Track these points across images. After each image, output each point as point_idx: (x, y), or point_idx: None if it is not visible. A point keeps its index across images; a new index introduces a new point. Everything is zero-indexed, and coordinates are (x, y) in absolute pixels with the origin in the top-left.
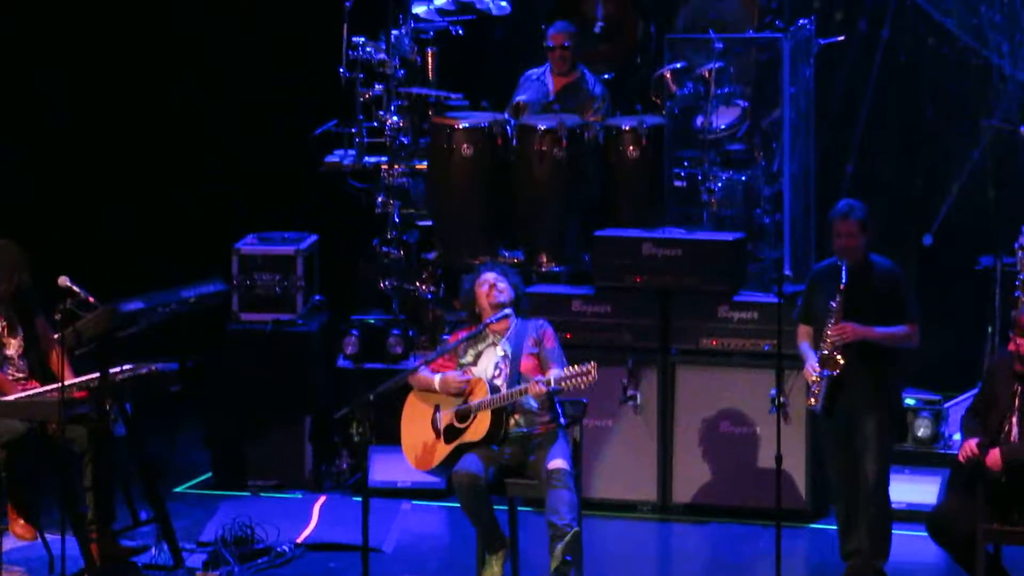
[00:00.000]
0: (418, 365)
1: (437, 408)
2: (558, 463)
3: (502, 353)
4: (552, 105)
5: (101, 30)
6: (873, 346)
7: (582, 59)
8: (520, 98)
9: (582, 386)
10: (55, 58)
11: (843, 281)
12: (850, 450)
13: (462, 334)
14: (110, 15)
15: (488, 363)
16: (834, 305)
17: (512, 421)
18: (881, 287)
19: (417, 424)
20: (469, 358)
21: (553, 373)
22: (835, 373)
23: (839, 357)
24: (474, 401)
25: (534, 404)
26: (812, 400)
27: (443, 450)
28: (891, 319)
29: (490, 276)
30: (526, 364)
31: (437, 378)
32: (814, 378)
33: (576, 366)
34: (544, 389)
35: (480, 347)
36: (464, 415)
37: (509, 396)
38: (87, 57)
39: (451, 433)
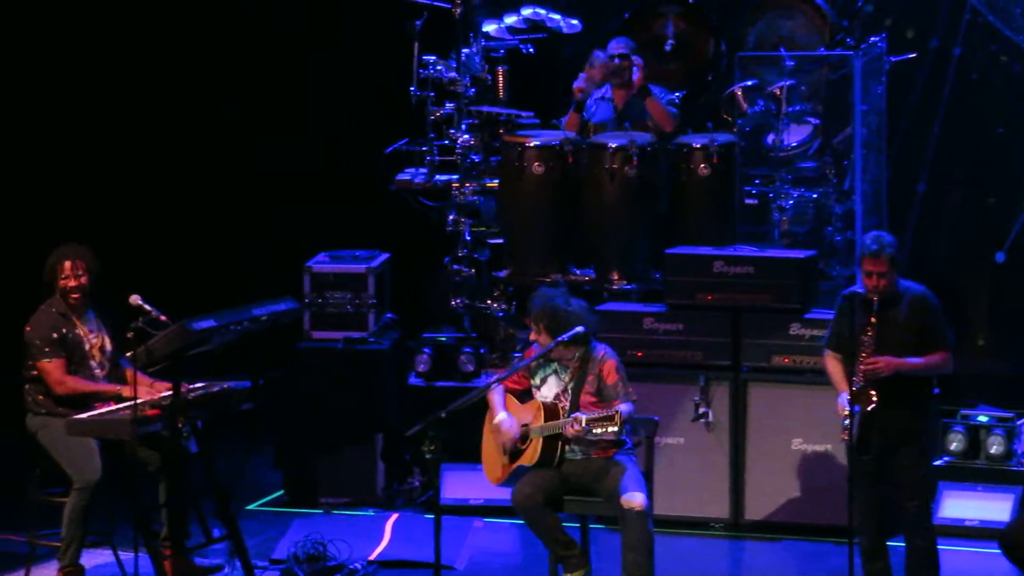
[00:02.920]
0: (491, 383)
1: None
2: (634, 502)
3: (565, 381)
4: (623, 122)
5: (172, 56)
6: (908, 377)
7: (653, 77)
8: (591, 120)
9: (610, 429)
10: (130, 82)
11: (874, 311)
12: (880, 485)
13: (534, 351)
14: (180, 42)
15: (551, 391)
16: (865, 339)
17: (566, 448)
18: (914, 316)
19: (490, 439)
20: (537, 380)
21: (585, 413)
22: (868, 409)
23: (872, 393)
24: (533, 425)
25: (575, 424)
26: (844, 435)
27: (507, 467)
28: (925, 347)
29: (529, 324)
30: (585, 399)
31: (498, 417)
32: (846, 412)
33: (605, 410)
34: (580, 429)
35: (547, 371)
36: (524, 437)
37: (555, 427)
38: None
39: (513, 452)
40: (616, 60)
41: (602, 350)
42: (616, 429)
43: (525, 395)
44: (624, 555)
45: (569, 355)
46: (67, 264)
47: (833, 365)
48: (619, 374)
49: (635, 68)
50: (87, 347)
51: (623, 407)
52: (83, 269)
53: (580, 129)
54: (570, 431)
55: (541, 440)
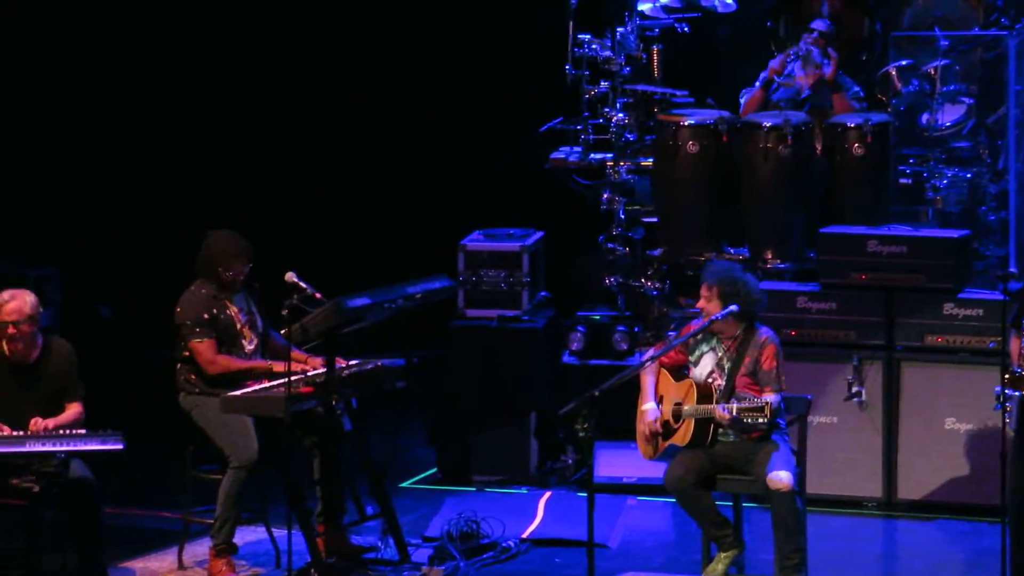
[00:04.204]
0: (648, 358)
1: (661, 400)
2: (779, 481)
3: (722, 362)
4: (804, 103)
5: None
6: None
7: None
8: (773, 97)
9: (759, 420)
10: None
11: (1015, 297)
12: None
13: (694, 326)
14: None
15: (706, 367)
16: None
17: (719, 430)
18: None
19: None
20: (694, 356)
21: (736, 402)
22: (1019, 393)
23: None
24: (686, 405)
25: (726, 412)
26: (1008, 419)
27: (660, 444)
28: None
29: (702, 290)
30: (741, 380)
31: (645, 405)
32: (1001, 393)
33: (753, 400)
34: (728, 417)
35: (704, 348)
36: (677, 416)
37: (705, 412)
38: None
39: (666, 430)
40: (815, 34)
41: (765, 333)
42: (765, 420)
43: (681, 370)
44: (775, 534)
45: (731, 331)
46: (239, 264)
47: (1014, 344)
48: (777, 360)
49: (828, 62)
50: (238, 326)
51: (772, 398)
52: (249, 263)
53: (763, 106)
54: (720, 418)
55: (693, 422)
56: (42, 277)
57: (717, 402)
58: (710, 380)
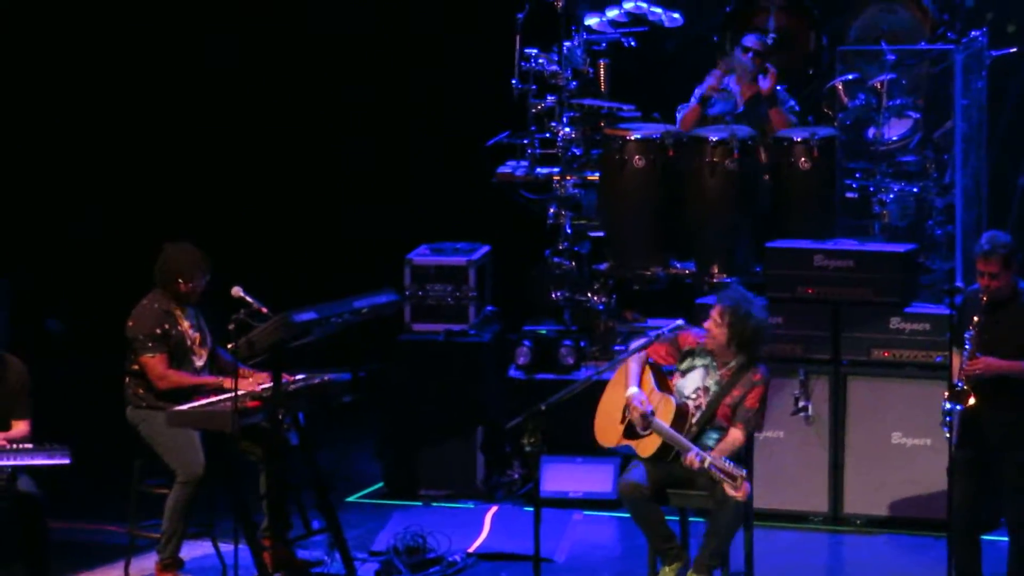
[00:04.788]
0: (639, 346)
1: None
2: (737, 492)
3: (709, 385)
4: (742, 116)
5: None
6: (1015, 381)
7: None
8: (710, 111)
9: (726, 487)
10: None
11: (981, 311)
12: (978, 485)
13: (693, 334)
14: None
15: (692, 383)
16: (968, 337)
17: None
18: None
19: (614, 399)
20: (685, 365)
21: (713, 458)
22: (964, 407)
23: (971, 393)
24: (656, 419)
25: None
26: (946, 432)
27: (616, 440)
28: None
29: (715, 312)
30: (722, 411)
31: (631, 390)
32: (946, 408)
33: (733, 467)
34: (697, 466)
35: (697, 362)
36: (645, 424)
37: (676, 441)
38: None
39: (629, 431)
40: (750, 55)
41: (761, 372)
42: (732, 490)
43: (665, 374)
44: (706, 538)
45: (729, 358)
46: (199, 276)
47: (957, 359)
48: (760, 404)
49: (765, 77)
50: (189, 342)
51: (739, 435)
52: (207, 276)
53: (700, 122)
54: (688, 460)
55: (660, 440)
56: None
57: (691, 427)
58: (691, 399)
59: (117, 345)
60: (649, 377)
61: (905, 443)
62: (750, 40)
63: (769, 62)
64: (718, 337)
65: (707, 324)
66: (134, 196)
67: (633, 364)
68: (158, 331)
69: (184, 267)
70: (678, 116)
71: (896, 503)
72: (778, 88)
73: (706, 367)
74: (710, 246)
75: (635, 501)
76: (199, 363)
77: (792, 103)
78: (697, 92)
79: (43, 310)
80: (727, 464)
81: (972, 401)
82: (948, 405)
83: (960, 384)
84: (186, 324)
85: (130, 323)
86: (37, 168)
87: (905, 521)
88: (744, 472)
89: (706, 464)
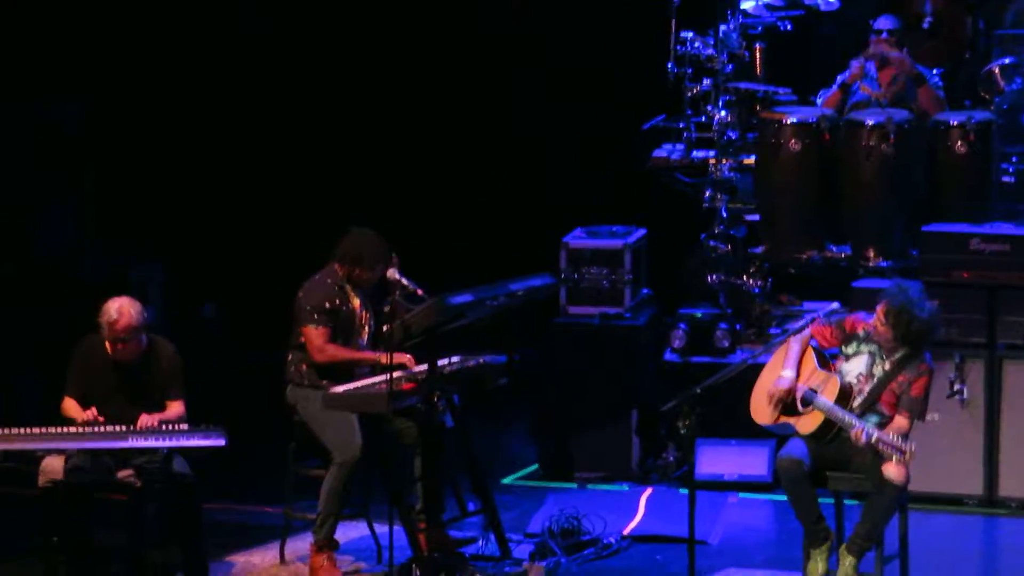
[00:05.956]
0: (803, 325)
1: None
2: (896, 475)
3: (875, 372)
4: (881, 98)
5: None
6: None
7: (911, 55)
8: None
9: (891, 469)
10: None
11: None
12: None
13: (860, 318)
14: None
15: (856, 368)
16: None
17: (842, 432)
18: None
19: (773, 378)
20: (850, 350)
21: (880, 433)
22: None
23: None
24: (820, 397)
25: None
26: None
27: (775, 417)
28: None
29: (880, 311)
30: (886, 397)
31: (785, 372)
32: None
33: (900, 440)
34: (863, 441)
35: (863, 348)
36: (807, 402)
37: (840, 418)
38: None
39: (789, 408)
40: (884, 35)
41: (928, 362)
42: (900, 462)
43: (827, 356)
44: (863, 518)
45: (895, 346)
46: (380, 267)
47: None
48: (925, 392)
49: (900, 55)
50: (359, 320)
51: (904, 423)
52: (387, 268)
53: (840, 107)
54: (855, 435)
55: (823, 417)
56: (144, 278)
57: (854, 408)
58: (855, 382)
59: (271, 332)
60: (811, 357)
61: None
62: (882, 22)
63: (923, 46)
64: (884, 334)
65: (873, 320)
66: (290, 182)
67: (794, 344)
68: (327, 305)
69: (368, 253)
70: (818, 102)
71: None
72: (920, 67)
73: (872, 354)
74: (866, 230)
75: (793, 477)
76: (363, 344)
77: (937, 79)
78: (839, 78)
79: (200, 296)
80: (895, 438)
81: None
82: None
83: None
84: (357, 302)
85: (301, 294)
86: (195, 153)
87: None
88: (913, 446)
89: (873, 439)
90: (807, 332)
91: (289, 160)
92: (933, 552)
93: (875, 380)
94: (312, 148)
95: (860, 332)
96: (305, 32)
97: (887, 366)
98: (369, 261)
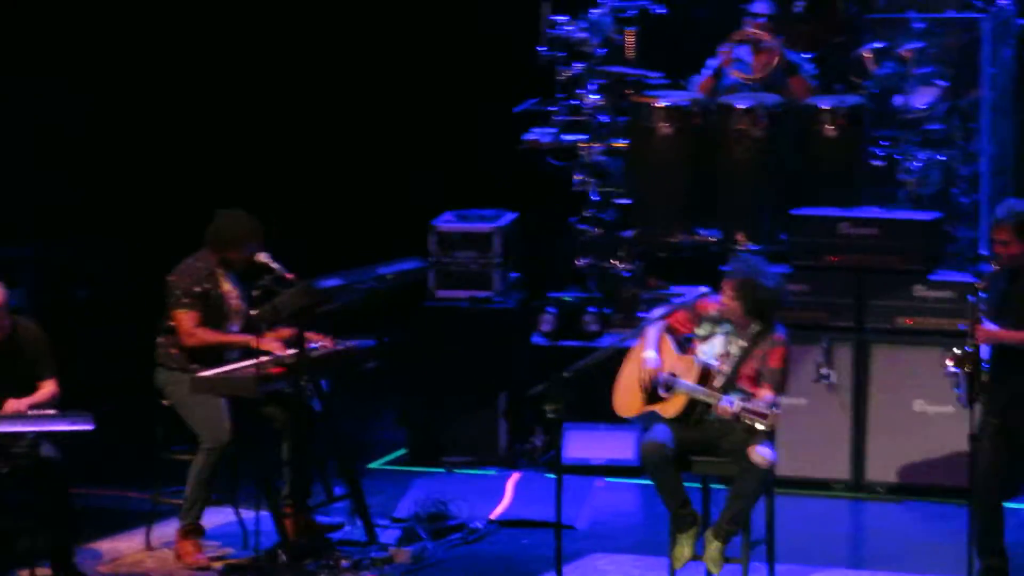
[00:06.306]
0: (660, 314)
1: None
2: (762, 457)
3: (731, 350)
4: (753, 82)
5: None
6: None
7: (784, 39)
8: (725, 82)
9: (757, 424)
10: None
11: (986, 279)
12: (1003, 453)
13: (711, 302)
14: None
15: (712, 350)
16: (982, 306)
17: (706, 413)
18: None
19: (634, 371)
20: (703, 331)
21: (743, 402)
22: (964, 371)
23: (970, 357)
24: (679, 379)
25: (731, 406)
26: (957, 394)
27: (639, 407)
28: None
29: (726, 286)
30: (745, 372)
31: (647, 352)
32: (949, 371)
33: (759, 403)
34: (729, 411)
35: (717, 329)
36: (668, 386)
37: (704, 395)
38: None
39: (652, 396)
40: (759, 19)
41: (780, 333)
42: (763, 426)
43: (684, 343)
44: (729, 501)
45: (746, 324)
46: (252, 246)
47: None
48: (784, 364)
49: (775, 43)
50: (228, 306)
51: (770, 396)
52: (260, 247)
53: (712, 93)
54: (720, 410)
55: (686, 399)
56: (15, 259)
57: (715, 388)
58: (713, 363)
59: (142, 315)
60: (669, 344)
61: (928, 411)
62: (757, 6)
63: (795, 30)
64: (734, 309)
65: (721, 298)
66: (163, 164)
67: (651, 331)
68: (197, 289)
69: (238, 235)
70: (691, 87)
71: (918, 471)
72: (793, 55)
73: (727, 333)
74: (736, 214)
75: (656, 461)
76: (234, 329)
77: (810, 67)
78: (711, 63)
79: (71, 278)
80: (757, 404)
81: (968, 367)
82: (951, 367)
83: (967, 349)
84: (228, 287)
85: (172, 277)
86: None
87: (927, 489)
88: (776, 408)
89: (737, 407)
90: (663, 321)
91: (163, 143)
92: (800, 536)
93: (732, 358)
94: (184, 133)
95: (712, 312)
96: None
97: (742, 342)
98: (240, 241)
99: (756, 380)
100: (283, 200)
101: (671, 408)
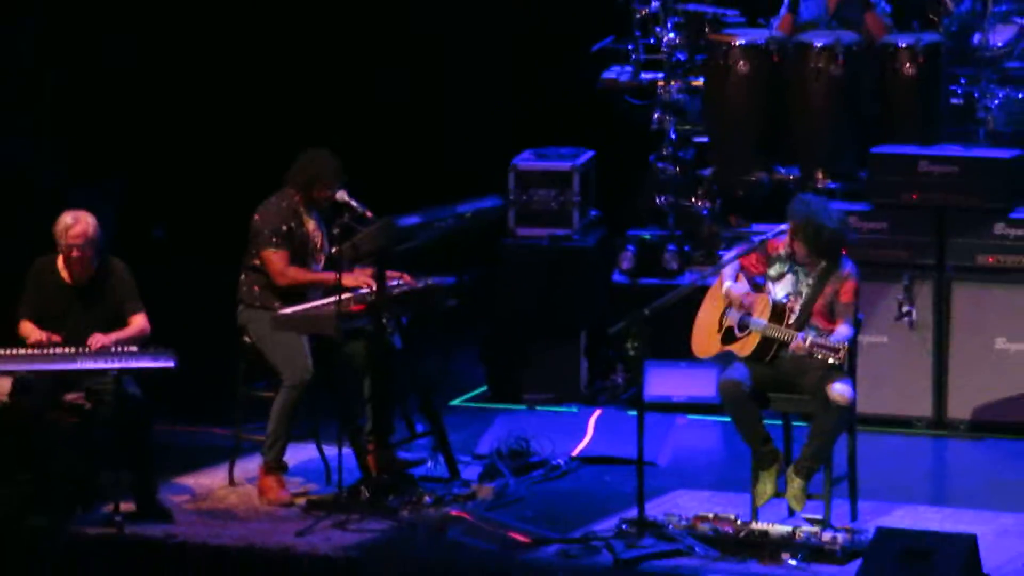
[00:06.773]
0: (729, 258)
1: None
2: (841, 395)
3: (802, 289)
4: (831, 21)
5: None
6: None
7: None
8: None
9: (830, 359)
10: None
11: None
12: None
13: (782, 238)
14: None
15: (784, 289)
16: None
17: (782, 350)
18: None
19: (710, 311)
20: (774, 271)
21: (816, 338)
22: None
23: None
24: (754, 318)
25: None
26: None
27: (716, 348)
28: None
29: (788, 228)
30: (818, 309)
31: (727, 285)
32: None
33: (832, 339)
34: (803, 347)
35: (786, 269)
36: (743, 326)
37: (778, 332)
38: None
39: (728, 336)
40: None
41: (848, 268)
42: (835, 361)
43: (755, 284)
44: (810, 439)
45: (813, 262)
46: (336, 184)
47: None
48: (854, 297)
49: None
50: (312, 244)
51: (845, 330)
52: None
53: (792, 30)
54: (793, 346)
55: (760, 337)
56: (101, 195)
57: (789, 325)
58: (786, 302)
59: (221, 254)
60: (743, 282)
61: (1009, 348)
62: None
63: None
64: (799, 250)
65: (785, 239)
66: (242, 107)
67: (728, 269)
68: (284, 228)
69: (323, 173)
70: (772, 26)
71: (999, 408)
72: None
73: (795, 272)
74: (814, 152)
75: (735, 399)
76: (318, 267)
77: (885, 6)
78: (787, 1)
79: (150, 217)
80: (829, 340)
81: None
82: None
83: None
84: (312, 225)
85: (256, 217)
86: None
87: (1008, 426)
88: (846, 342)
89: (809, 343)
90: (736, 263)
91: (244, 83)
92: (882, 473)
93: (804, 297)
94: (264, 70)
95: (782, 252)
96: None
97: (811, 281)
98: (325, 179)
99: (828, 316)
100: (365, 139)
101: (746, 347)
